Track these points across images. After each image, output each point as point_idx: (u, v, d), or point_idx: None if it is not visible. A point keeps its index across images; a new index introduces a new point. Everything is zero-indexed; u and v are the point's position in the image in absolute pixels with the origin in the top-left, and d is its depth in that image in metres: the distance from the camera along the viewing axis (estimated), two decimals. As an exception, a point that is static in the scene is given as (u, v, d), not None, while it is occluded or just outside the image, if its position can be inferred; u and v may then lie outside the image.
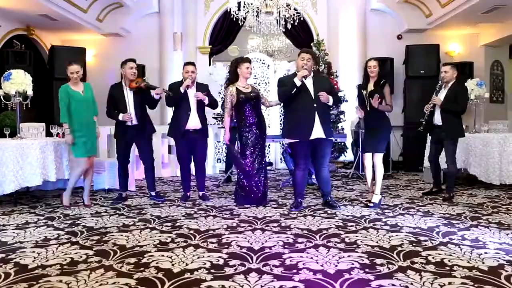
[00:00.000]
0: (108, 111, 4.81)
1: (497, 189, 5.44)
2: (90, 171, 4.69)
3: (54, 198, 5.08)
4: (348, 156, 7.62)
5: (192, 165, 4.98)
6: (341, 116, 7.26)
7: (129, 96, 4.73)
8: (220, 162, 7.79)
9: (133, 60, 4.82)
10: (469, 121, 6.96)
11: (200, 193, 4.96)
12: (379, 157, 4.45)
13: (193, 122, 4.75)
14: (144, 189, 5.56)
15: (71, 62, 4.56)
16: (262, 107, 4.82)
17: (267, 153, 8.07)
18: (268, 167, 7.88)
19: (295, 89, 4.17)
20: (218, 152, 7.90)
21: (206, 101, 4.77)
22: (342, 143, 7.36)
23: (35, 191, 5.41)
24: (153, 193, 4.94)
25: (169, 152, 7.21)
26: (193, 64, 4.86)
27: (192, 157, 4.90)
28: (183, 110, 4.74)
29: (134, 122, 4.75)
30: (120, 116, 4.70)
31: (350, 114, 7.42)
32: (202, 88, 4.86)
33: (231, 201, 4.78)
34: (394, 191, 5.43)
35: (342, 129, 7.36)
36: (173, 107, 4.96)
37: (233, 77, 4.63)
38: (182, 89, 4.68)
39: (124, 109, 4.70)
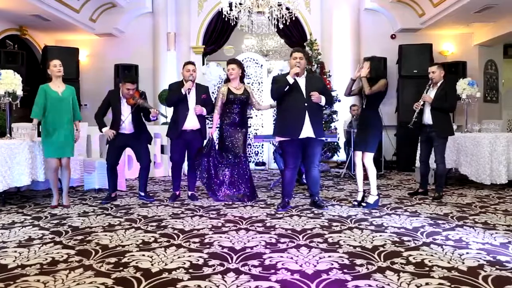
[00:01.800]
0: (97, 114, 4.79)
1: (488, 189, 5.44)
2: (66, 173, 4.62)
3: (44, 198, 5.08)
4: (341, 156, 7.61)
5: (185, 164, 4.99)
6: (334, 116, 7.26)
7: (124, 108, 4.72)
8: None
9: (132, 82, 4.70)
10: (461, 120, 6.96)
11: (189, 193, 4.96)
12: (369, 156, 4.42)
13: (191, 122, 4.75)
14: (135, 189, 5.55)
15: (52, 59, 4.66)
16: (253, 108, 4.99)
17: (260, 153, 8.07)
18: (261, 167, 7.91)
19: (287, 86, 4.18)
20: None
21: (205, 113, 4.81)
22: (335, 143, 7.36)
23: (26, 191, 5.42)
24: (142, 193, 4.94)
25: (162, 152, 7.21)
26: (193, 63, 4.89)
27: (186, 156, 4.92)
28: (181, 110, 4.74)
29: (130, 131, 4.76)
30: (104, 130, 4.71)
31: (343, 114, 7.41)
32: (202, 89, 4.88)
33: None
34: (385, 191, 5.42)
35: (335, 128, 7.34)
36: (172, 107, 4.93)
37: (227, 78, 4.89)
38: (183, 91, 4.67)
39: (118, 117, 4.72)
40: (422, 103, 4.85)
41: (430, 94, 4.88)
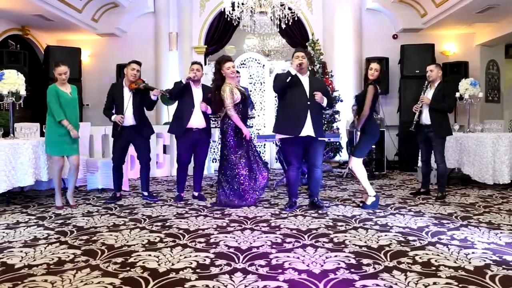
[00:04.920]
0: (105, 109, 4.81)
1: (490, 188, 5.44)
2: (75, 171, 4.63)
3: (47, 198, 5.07)
4: (344, 156, 7.61)
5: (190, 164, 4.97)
6: (336, 116, 7.25)
7: (127, 96, 4.72)
8: (215, 161, 7.78)
9: (137, 63, 4.80)
10: (463, 120, 6.96)
11: (196, 194, 4.95)
12: (354, 161, 4.40)
13: (197, 120, 4.71)
14: (138, 189, 5.55)
15: (59, 63, 4.56)
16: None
17: (262, 153, 8.06)
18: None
19: (289, 77, 4.16)
20: (214, 151, 7.90)
21: (209, 111, 4.78)
22: (338, 143, 7.35)
23: (29, 191, 5.42)
24: (145, 193, 4.94)
25: (164, 152, 7.21)
26: (198, 63, 4.89)
27: (192, 157, 4.89)
28: (186, 106, 4.71)
29: (132, 122, 4.75)
30: (113, 117, 4.72)
31: (345, 114, 7.41)
32: (207, 89, 4.84)
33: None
34: (387, 191, 5.42)
35: (337, 128, 7.33)
36: (176, 103, 4.92)
37: (220, 79, 4.50)
38: (184, 80, 4.67)
39: (121, 108, 4.69)
40: (420, 105, 4.86)
41: (428, 94, 4.89)
